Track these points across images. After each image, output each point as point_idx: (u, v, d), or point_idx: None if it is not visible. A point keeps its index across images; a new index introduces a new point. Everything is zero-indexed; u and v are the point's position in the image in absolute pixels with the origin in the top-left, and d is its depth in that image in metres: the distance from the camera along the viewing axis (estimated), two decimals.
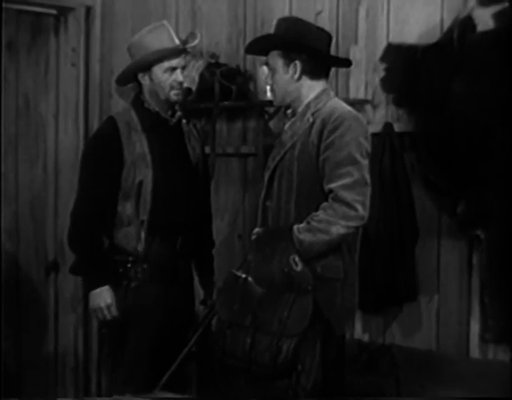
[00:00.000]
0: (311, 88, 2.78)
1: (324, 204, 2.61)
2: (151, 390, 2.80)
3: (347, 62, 3.04)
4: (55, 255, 3.93)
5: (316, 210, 2.62)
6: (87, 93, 3.89)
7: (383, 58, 3.39)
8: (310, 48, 2.75)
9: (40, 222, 3.93)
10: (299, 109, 2.80)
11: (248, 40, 3.27)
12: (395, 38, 3.38)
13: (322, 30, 2.85)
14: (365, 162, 2.65)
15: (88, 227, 3.07)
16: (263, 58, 2.91)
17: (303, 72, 2.77)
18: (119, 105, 3.65)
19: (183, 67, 3.13)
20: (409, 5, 3.33)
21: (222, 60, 3.78)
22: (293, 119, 2.82)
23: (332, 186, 2.60)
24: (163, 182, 3.08)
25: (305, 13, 3.48)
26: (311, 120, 2.73)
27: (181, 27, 3.88)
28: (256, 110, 3.75)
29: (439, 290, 3.33)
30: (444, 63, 3.14)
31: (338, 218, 2.57)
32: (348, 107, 2.76)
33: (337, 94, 3.18)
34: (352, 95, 3.46)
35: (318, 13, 3.58)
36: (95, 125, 3.73)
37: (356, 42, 3.49)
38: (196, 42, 3.16)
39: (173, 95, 3.09)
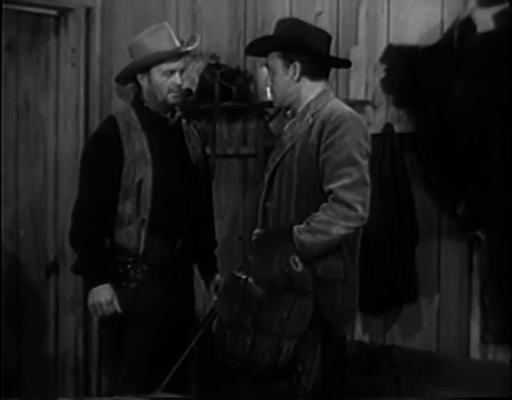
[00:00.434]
0: (311, 89, 2.78)
1: (324, 205, 2.61)
2: (151, 390, 2.80)
3: (347, 63, 3.04)
4: (55, 256, 3.93)
5: (316, 211, 2.62)
6: (88, 93, 3.90)
7: (383, 59, 3.38)
8: (310, 49, 2.75)
9: (40, 222, 3.94)
10: (299, 110, 2.79)
11: (249, 41, 3.26)
12: (395, 39, 3.37)
13: (321, 31, 2.85)
14: (365, 163, 2.65)
15: (89, 226, 3.07)
16: (263, 59, 2.92)
17: (303, 73, 2.77)
18: (119, 105, 3.65)
19: (182, 70, 3.12)
20: (410, 6, 3.33)
21: (222, 61, 3.78)
22: (292, 120, 2.82)
23: (332, 186, 2.60)
24: (163, 181, 3.08)
25: (305, 14, 3.48)
26: (311, 121, 2.73)
27: (181, 28, 3.88)
28: (256, 111, 3.75)
29: (440, 291, 3.32)
30: (445, 64, 3.14)
31: (338, 219, 2.57)
32: (348, 108, 2.76)
33: (337, 95, 3.18)
34: (352, 96, 3.46)
35: (319, 14, 3.58)
36: (95, 125, 3.73)
37: (356, 42, 3.48)
38: (196, 45, 3.17)
39: (171, 97, 3.08)
